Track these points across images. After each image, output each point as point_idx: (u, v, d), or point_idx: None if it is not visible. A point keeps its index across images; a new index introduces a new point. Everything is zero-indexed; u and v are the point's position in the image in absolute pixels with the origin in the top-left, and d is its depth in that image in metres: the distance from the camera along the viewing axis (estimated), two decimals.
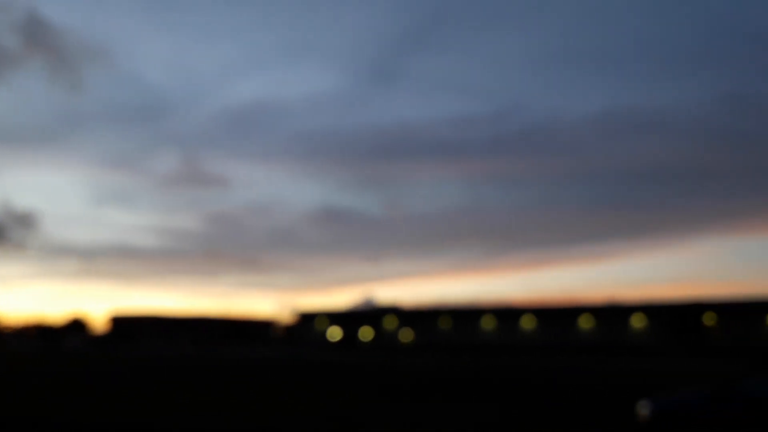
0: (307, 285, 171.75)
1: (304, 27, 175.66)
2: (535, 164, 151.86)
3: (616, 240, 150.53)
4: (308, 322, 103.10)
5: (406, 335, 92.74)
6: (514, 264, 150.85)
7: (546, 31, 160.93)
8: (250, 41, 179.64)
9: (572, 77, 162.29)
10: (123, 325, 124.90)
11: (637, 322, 77.46)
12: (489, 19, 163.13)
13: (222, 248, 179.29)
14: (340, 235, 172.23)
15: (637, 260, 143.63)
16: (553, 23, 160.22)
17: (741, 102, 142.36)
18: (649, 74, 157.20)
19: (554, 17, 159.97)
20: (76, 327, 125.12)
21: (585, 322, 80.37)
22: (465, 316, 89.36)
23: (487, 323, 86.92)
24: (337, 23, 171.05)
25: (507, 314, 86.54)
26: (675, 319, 74.82)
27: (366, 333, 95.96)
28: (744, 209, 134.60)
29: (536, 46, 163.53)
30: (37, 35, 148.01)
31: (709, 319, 73.33)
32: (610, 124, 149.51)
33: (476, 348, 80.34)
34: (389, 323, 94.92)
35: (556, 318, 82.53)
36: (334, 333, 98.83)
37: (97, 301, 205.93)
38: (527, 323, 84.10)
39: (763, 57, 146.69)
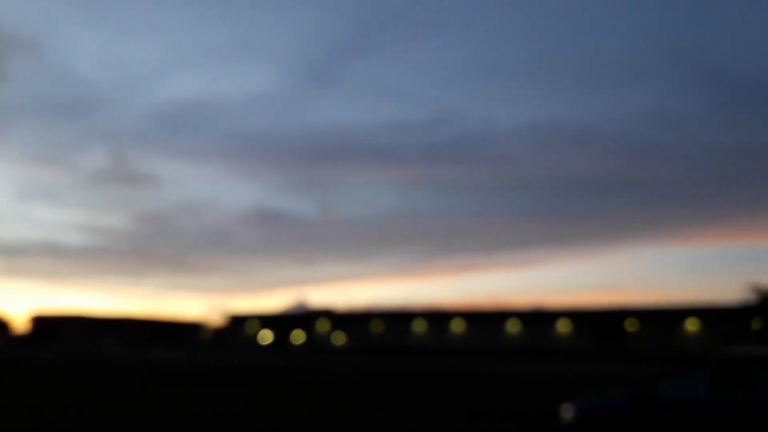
0: (238, 287, 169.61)
1: (243, 26, 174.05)
2: (466, 172, 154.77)
3: (543, 247, 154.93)
4: (239, 324, 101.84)
5: (339, 338, 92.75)
6: (444, 269, 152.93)
7: (481, 43, 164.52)
8: (186, 38, 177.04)
9: (505, 88, 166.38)
10: (45, 325, 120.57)
11: (563, 327, 79.66)
12: (427, 29, 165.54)
13: (151, 248, 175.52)
14: (273, 237, 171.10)
15: (562, 267, 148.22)
16: (488, 36, 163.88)
17: (664, 116, 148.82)
18: (578, 88, 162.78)
19: (489, 30, 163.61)
20: None
21: (512, 327, 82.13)
22: (397, 319, 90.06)
23: (419, 327, 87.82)
24: (276, 24, 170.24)
25: (438, 318, 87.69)
26: (598, 324, 77.30)
27: (298, 336, 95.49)
28: (665, 220, 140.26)
29: (471, 57, 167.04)
30: None
31: (630, 325, 76.06)
32: (539, 135, 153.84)
33: (408, 351, 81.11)
34: (322, 326, 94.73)
35: (485, 322, 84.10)
36: (266, 336, 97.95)
37: (21, 301, 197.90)
38: (457, 327, 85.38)
39: (686, 74, 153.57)
